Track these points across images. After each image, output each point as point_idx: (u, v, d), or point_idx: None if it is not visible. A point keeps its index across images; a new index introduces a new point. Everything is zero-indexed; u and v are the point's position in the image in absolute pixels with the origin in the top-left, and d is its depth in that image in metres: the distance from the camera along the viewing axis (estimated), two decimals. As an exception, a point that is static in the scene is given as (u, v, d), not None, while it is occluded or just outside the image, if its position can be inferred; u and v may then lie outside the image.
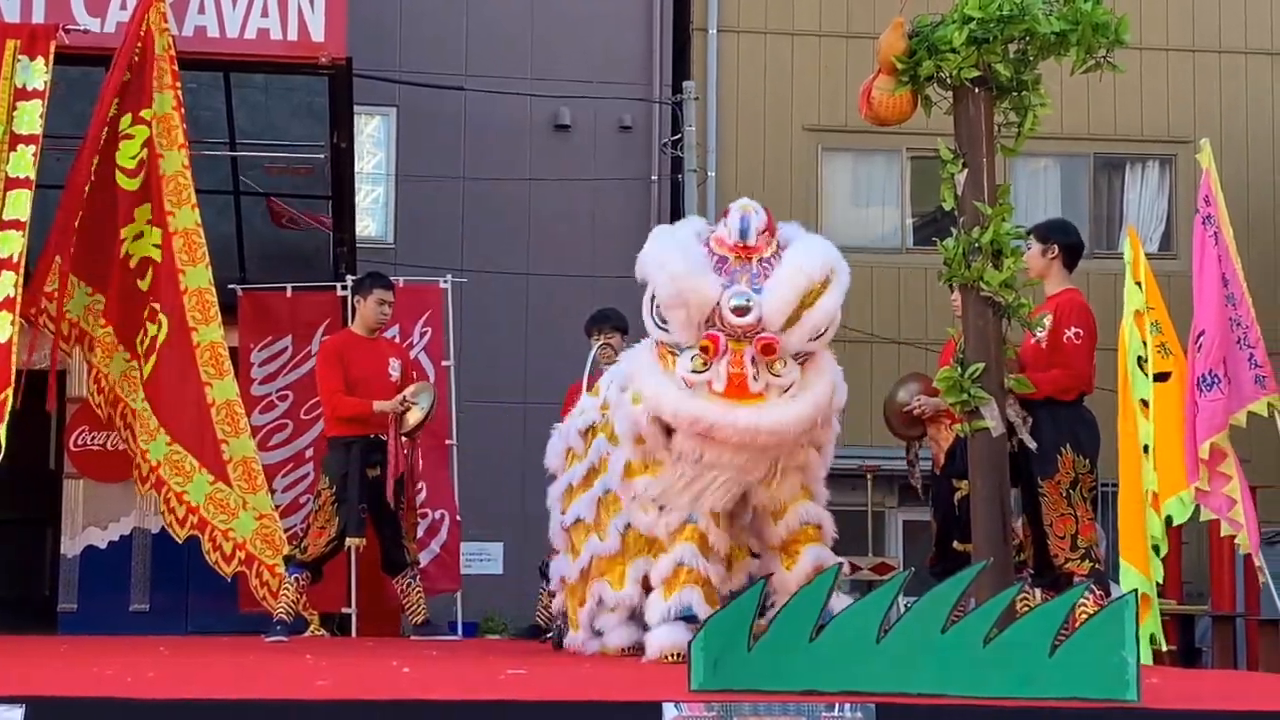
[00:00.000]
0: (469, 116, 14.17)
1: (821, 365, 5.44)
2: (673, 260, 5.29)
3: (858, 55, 13.25)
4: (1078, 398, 6.66)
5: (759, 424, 5.22)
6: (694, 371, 5.25)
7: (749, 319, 5.17)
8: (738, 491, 5.50)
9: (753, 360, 5.21)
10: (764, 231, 5.41)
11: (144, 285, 8.98)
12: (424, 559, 9.73)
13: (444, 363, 10.31)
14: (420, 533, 9.78)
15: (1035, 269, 6.78)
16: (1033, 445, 6.44)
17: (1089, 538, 6.51)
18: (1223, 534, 7.89)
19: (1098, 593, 6.31)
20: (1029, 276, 6.77)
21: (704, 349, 5.19)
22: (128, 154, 8.93)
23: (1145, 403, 7.46)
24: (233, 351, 9.37)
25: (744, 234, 5.33)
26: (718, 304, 5.23)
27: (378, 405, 8.25)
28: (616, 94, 14.35)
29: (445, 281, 10.44)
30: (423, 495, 9.87)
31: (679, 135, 14.46)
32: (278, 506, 9.32)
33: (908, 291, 14.46)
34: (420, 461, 9.42)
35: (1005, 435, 6.11)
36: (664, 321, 5.38)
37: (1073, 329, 6.61)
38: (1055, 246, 6.84)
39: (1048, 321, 6.66)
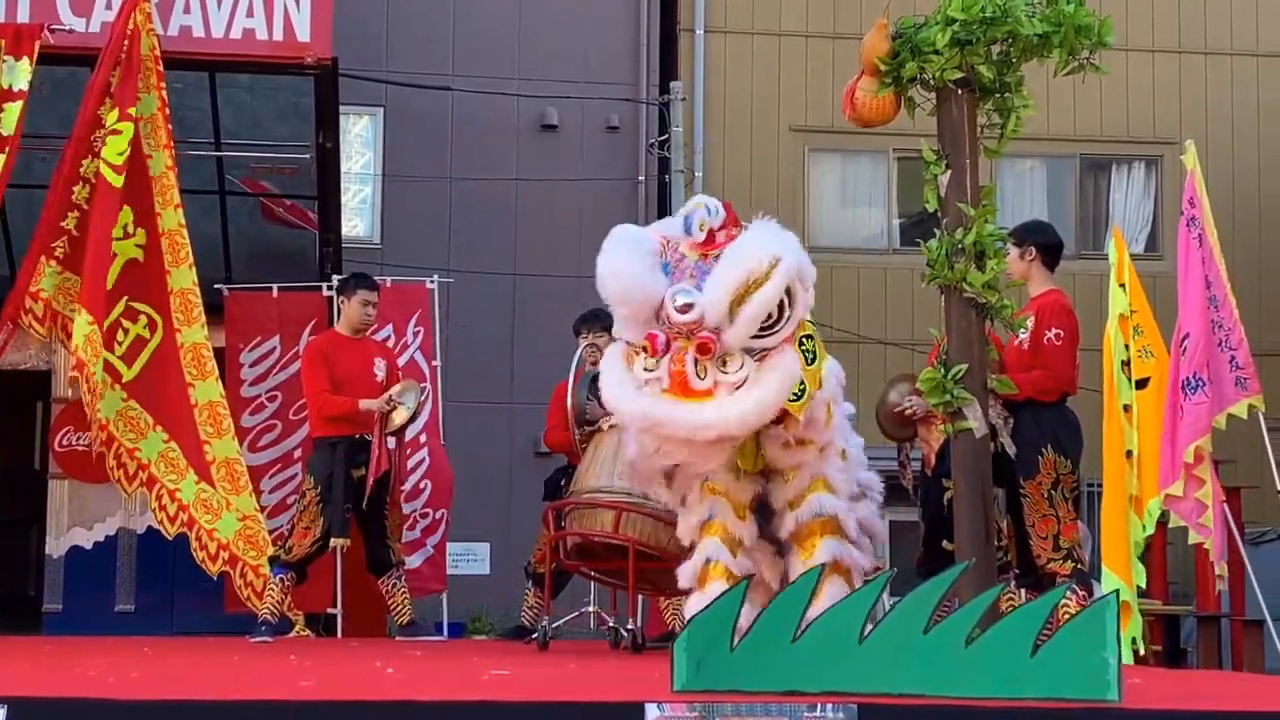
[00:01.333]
0: (456, 117, 14.17)
1: (775, 363, 5.36)
2: (617, 259, 5.30)
3: (844, 56, 13.26)
4: (1060, 398, 6.67)
5: (696, 421, 5.18)
6: (645, 369, 5.24)
7: (691, 316, 5.14)
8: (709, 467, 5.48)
9: (695, 359, 5.20)
10: (721, 228, 5.39)
11: (107, 284, 8.92)
12: (418, 559, 9.76)
13: (433, 362, 10.33)
14: (418, 532, 9.81)
15: (1016, 272, 6.79)
16: (1011, 449, 6.45)
17: (1071, 538, 6.52)
18: (1190, 541, 7.90)
19: (1080, 593, 6.32)
20: (1010, 280, 6.78)
21: (643, 349, 5.19)
22: (115, 150, 8.91)
23: (1128, 408, 7.49)
24: (219, 352, 9.36)
25: (687, 229, 5.34)
26: (663, 302, 5.22)
27: (364, 404, 8.25)
28: (603, 94, 14.35)
29: (431, 282, 10.44)
30: (426, 494, 9.91)
31: (666, 136, 14.47)
32: (265, 507, 9.32)
33: (894, 292, 14.48)
34: (407, 462, 9.44)
35: (989, 436, 6.12)
36: None
37: (1053, 330, 6.62)
38: (1032, 248, 6.85)
39: (1030, 323, 6.68)
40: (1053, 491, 6.51)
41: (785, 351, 5.33)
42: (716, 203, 5.41)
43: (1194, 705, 4.11)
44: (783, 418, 5.36)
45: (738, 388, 5.21)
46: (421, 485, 9.95)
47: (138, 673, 4.91)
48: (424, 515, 9.92)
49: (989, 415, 6.30)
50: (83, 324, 8.64)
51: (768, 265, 5.22)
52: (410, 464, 9.78)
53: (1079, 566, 6.55)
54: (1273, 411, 8.70)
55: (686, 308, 5.16)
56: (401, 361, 9.78)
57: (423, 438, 9.96)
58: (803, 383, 5.33)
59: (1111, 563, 7.31)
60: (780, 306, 5.20)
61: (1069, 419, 6.68)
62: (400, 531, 8.84)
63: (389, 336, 10.00)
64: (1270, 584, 9.41)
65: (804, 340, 5.36)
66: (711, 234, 5.28)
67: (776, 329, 5.25)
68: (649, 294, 5.21)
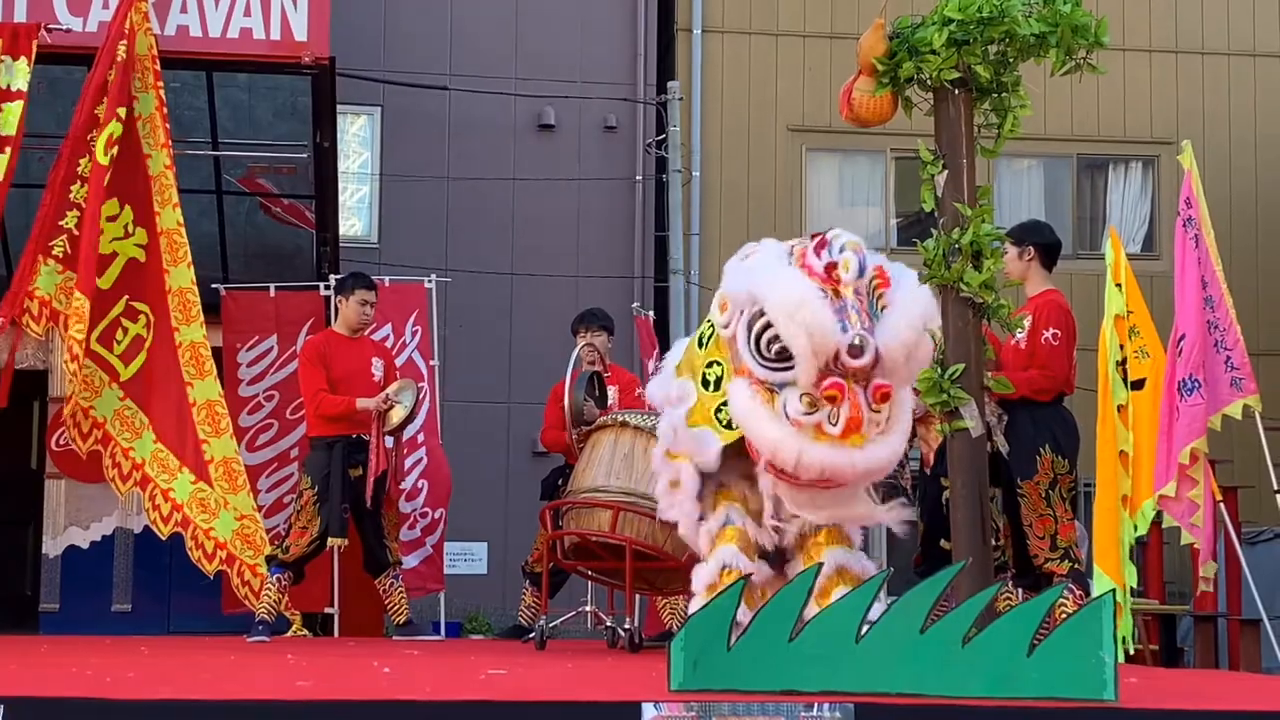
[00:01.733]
0: (453, 116, 14.16)
1: (904, 397, 5.38)
2: (810, 311, 5.08)
3: (842, 56, 13.26)
4: (1056, 398, 6.68)
5: (871, 464, 5.10)
6: (805, 414, 5.09)
7: (865, 360, 4.99)
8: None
9: (868, 403, 5.08)
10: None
11: (105, 284, 8.93)
12: (417, 558, 9.77)
13: (430, 362, 10.34)
14: (418, 531, 9.82)
15: (1014, 272, 6.79)
16: (1004, 448, 6.46)
17: (1068, 537, 6.53)
18: (1183, 541, 7.92)
19: (1077, 592, 6.33)
20: (1008, 280, 6.78)
21: (830, 399, 5.01)
22: (109, 152, 8.93)
23: (1122, 408, 7.51)
24: (215, 351, 9.37)
25: (862, 273, 5.23)
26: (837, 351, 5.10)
27: (361, 403, 8.26)
28: (601, 94, 14.35)
29: (429, 281, 10.45)
30: (425, 494, 9.92)
31: (663, 135, 14.46)
32: (262, 506, 9.33)
33: (891, 292, 14.47)
34: (404, 461, 9.44)
35: (985, 435, 6.13)
36: (773, 360, 5.16)
37: (1050, 330, 6.63)
38: (1031, 248, 6.86)
39: (1027, 323, 6.68)
40: (1050, 491, 6.51)
41: (908, 391, 5.34)
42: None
43: (1191, 705, 4.12)
44: None
45: (878, 427, 5.17)
46: (419, 485, 9.96)
47: (134, 672, 4.91)
48: (423, 515, 9.94)
49: (984, 414, 6.30)
50: (80, 306, 8.69)
51: (932, 318, 5.23)
52: (409, 463, 9.80)
53: (1076, 566, 6.55)
54: (1269, 411, 8.72)
55: (859, 351, 5.07)
56: (400, 361, 9.79)
57: (420, 437, 9.97)
58: None
59: (1103, 563, 7.33)
60: None
61: (1066, 419, 6.68)
62: (397, 531, 8.84)
63: (388, 336, 10.01)
64: (1267, 583, 9.43)
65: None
66: (832, 266, 5.20)
67: None
68: (834, 344, 5.12)
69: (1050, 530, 6.48)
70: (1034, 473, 6.51)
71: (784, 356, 5.13)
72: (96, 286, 8.84)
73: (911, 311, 5.18)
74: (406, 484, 9.69)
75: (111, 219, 9.00)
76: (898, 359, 5.09)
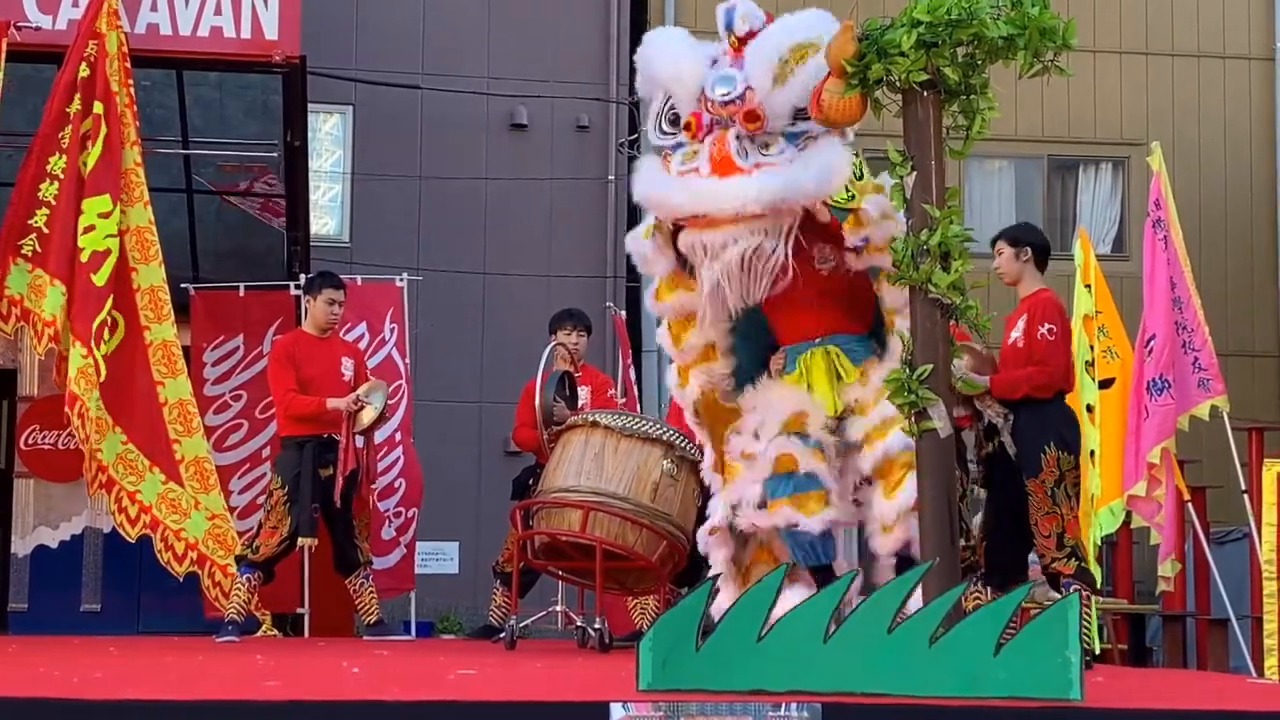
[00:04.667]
0: (425, 115, 14.14)
1: (821, 144, 5.40)
2: (659, 40, 5.59)
3: (814, 56, 13.27)
4: (1057, 395, 6.66)
5: (742, 194, 5.21)
6: (683, 162, 5.29)
7: (734, 92, 5.23)
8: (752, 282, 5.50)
9: (738, 137, 5.22)
10: (751, 27, 5.50)
11: (99, 280, 8.88)
12: (395, 557, 9.76)
13: (406, 360, 10.31)
14: (393, 530, 9.81)
15: (1010, 273, 6.81)
16: (1012, 449, 6.47)
17: (1075, 535, 6.51)
18: (1152, 541, 7.97)
19: (1086, 592, 6.30)
20: (1005, 282, 6.81)
21: (687, 127, 5.24)
22: (90, 150, 8.91)
23: (1090, 408, 7.55)
24: (184, 351, 9.34)
25: (729, 25, 5.38)
26: (704, 90, 5.31)
27: (331, 403, 8.25)
28: (573, 94, 14.35)
29: (401, 280, 10.43)
30: (400, 493, 9.90)
31: (636, 135, 14.45)
32: (235, 508, 9.30)
33: (863, 292, 14.49)
34: (377, 461, 9.42)
35: (953, 436, 6.13)
36: (665, 127, 5.44)
37: (1046, 326, 6.62)
38: (1028, 249, 6.87)
39: (1021, 323, 6.69)
40: (1056, 489, 6.47)
41: (831, 141, 5.35)
42: (755, 6, 5.50)
43: (1156, 704, 4.14)
44: (850, 218, 5.46)
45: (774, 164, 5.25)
46: (396, 484, 9.95)
47: (102, 672, 4.90)
48: (397, 514, 9.92)
49: (988, 413, 6.33)
50: (77, 357, 8.61)
51: (816, 35, 5.24)
52: (386, 462, 9.79)
53: (1083, 565, 6.54)
54: (1237, 412, 8.77)
55: (725, 96, 5.18)
56: (378, 359, 9.78)
57: (397, 436, 9.96)
58: (850, 188, 5.40)
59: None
60: None
61: (1068, 415, 6.67)
62: (368, 531, 8.83)
63: (362, 335, 9.99)
64: (1235, 583, 9.49)
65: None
66: (752, 34, 5.33)
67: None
68: (693, 72, 5.27)
69: (1056, 529, 6.45)
70: (1039, 470, 6.49)
71: (675, 121, 5.40)
72: (89, 280, 8.80)
73: (775, 29, 5.36)
74: (381, 483, 9.66)
75: (104, 215, 8.93)
76: (764, 77, 5.23)
